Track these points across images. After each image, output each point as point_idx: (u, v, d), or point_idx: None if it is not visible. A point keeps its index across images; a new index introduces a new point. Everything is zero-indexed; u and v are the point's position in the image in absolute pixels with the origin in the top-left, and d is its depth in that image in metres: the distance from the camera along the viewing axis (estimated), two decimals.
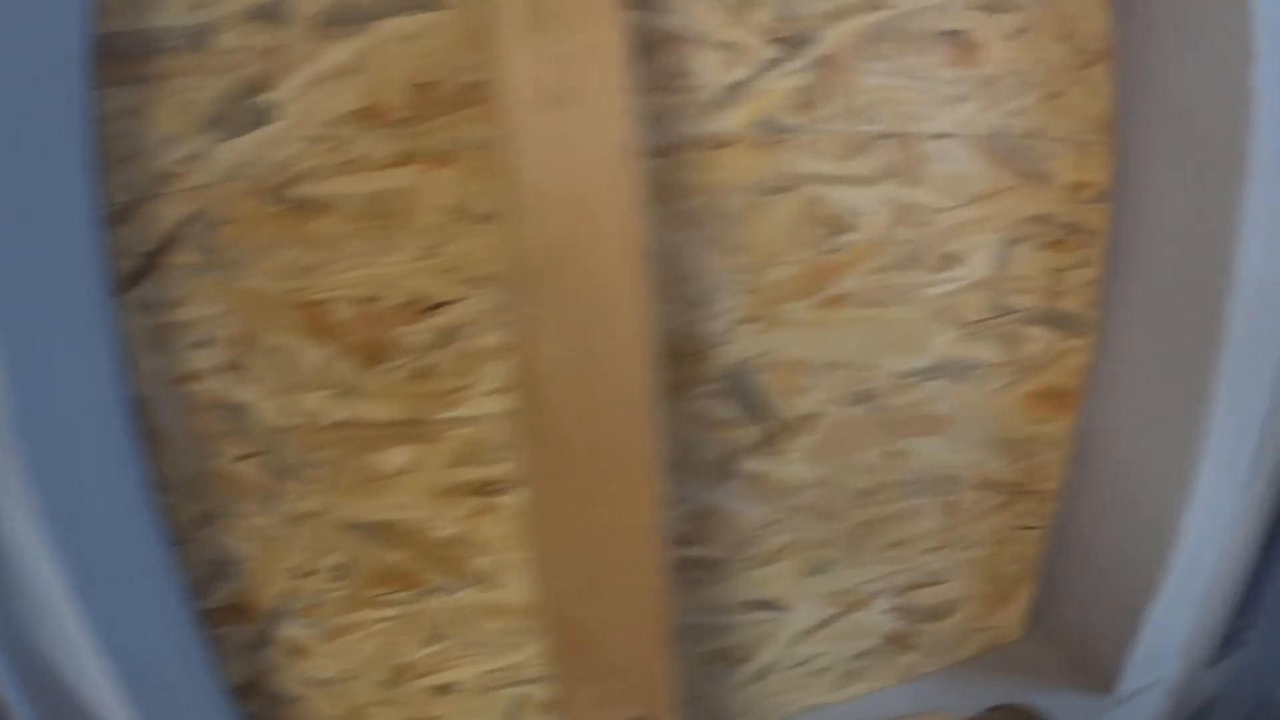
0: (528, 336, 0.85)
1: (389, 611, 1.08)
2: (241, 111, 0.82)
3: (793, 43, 1.00)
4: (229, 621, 1.01)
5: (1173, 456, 1.23)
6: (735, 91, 0.99)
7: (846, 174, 1.07)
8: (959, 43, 1.08)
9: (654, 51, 0.93)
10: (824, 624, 1.34)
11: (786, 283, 1.08)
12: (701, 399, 1.10)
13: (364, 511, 1.02)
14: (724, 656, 1.28)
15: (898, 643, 1.40)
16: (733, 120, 1.00)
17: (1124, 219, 1.25)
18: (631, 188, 0.82)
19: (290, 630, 1.03)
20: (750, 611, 1.26)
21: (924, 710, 1.43)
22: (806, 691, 1.38)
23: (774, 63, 1.00)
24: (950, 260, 1.14)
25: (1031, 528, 1.41)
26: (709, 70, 0.97)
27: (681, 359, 1.06)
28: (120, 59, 0.80)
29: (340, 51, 0.84)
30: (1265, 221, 1.07)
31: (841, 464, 1.20)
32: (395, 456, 0.98)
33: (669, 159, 0.98)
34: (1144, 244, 1.24)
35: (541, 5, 0.80)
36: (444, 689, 1.13)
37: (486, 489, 1.01)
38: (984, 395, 1.24)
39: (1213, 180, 1.10)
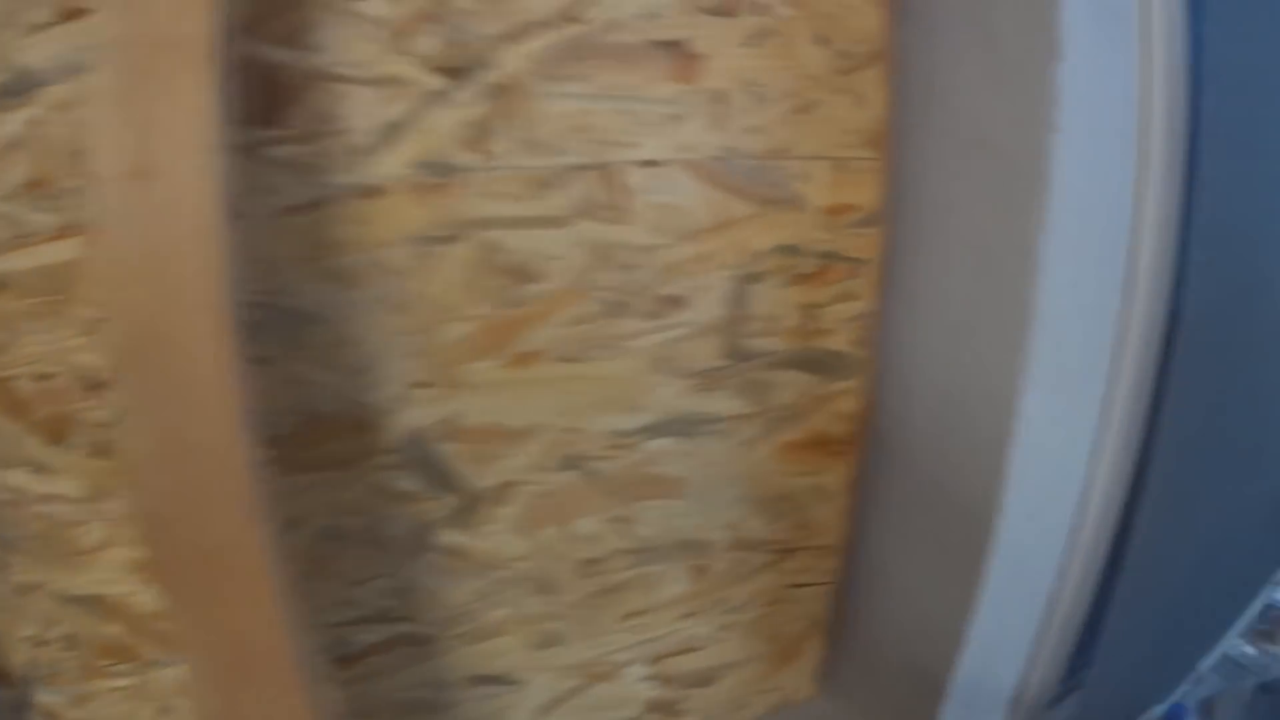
0: (123, 426, 0.75)
1: (120, 681, 0.98)
2: None
3: (462, 71, 0.83)
4: None
5: (973, 509, 1.11)
6: (393, 132, 0.83)
7: (530, 215, 0.90)
8: (676, 55, 0.91)
9: (300, 94, 0.78)
10: (566, 697, 1.20)
11: (465, 341, 0.92)
12: (381, 471, 0.95)
13: (76, 585, 0.92)
14: None
15: (662, 711, 1.25)
16: (391, 164, 0.84)
17: (902, 245, 1.08)
18: (216, 263, 0.70)
19: (43, 696, 0.97)
20: (477, 686, 1.13)
21: None
22: None
23: (439, 95, 0.83)
24: (670, 304, 0.98)
25: (810, 585, 1.25)
26: (362, 110, 0.81)
27: (351, 430, 0.92)
28: None
29: (9, 123, 0.74)
30: (1071, 243, 0.93)
31: (556, 534, 1.06)
32: (91, 532, 0.89)
33: (319, 213, 0.83)
34: (926, 272, 1.07)
35: (128, 73, 0.67)
36: None
37: None
38: (727, 451, 1.09)
39: (1009, 196, 0.95)
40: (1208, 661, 2.13)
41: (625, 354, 0.97)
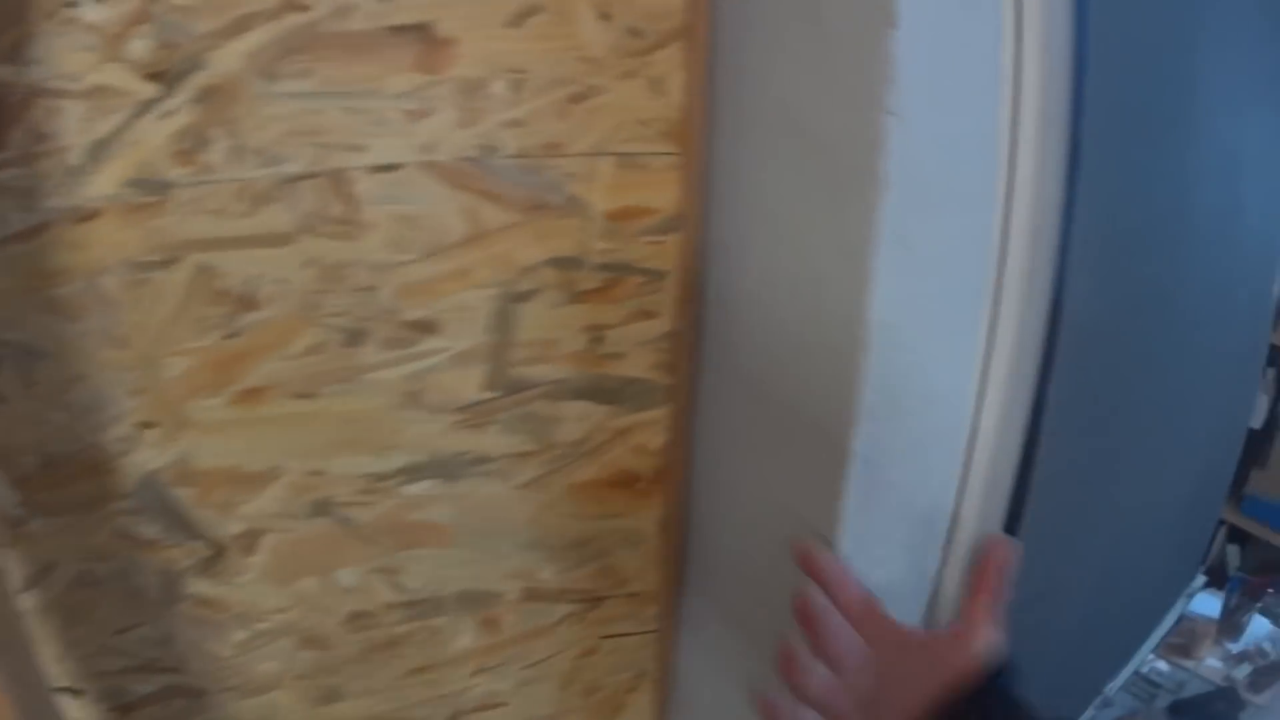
0: None
1: None
2: None
3: (173, 75, 0.73)
4: None
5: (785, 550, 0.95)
6: (103, 148, 0.73)
7: (247, 234, 0.80)
8: (420, 40, 0.79)
9: (19, 113, 0.71)
10: None
11: (186, 377, 0.82)
12: (122, 516, 0.87)
13: None
14: None
15: None
16: (103, 183, 0.74)
17: (716, 255, 0.99)
18: None
19: None
20: None
21: None
22: None
23: (149, 104, 0.73)
24: (419, 330, 0.87)
25: (629, 634, 1.16)
26: (76, 126, 0.72)
27: (89, 472, 0.85)
28: None
29: None
30: (916, 251, 0.81)
31: (316, 585, 0.97)
32: None
33: (40, 240, 0.75)
34: (743, 288, 0.97)
35: None
36: None
37: None
38: (505, 495, 0.99)
39: (833, 195, 0.83)
40: (1115, 683, 2.04)
41: (368, 388, 0.87)
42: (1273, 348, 2.33)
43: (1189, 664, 2.18)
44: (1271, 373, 2.44)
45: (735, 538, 1.10)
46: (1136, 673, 2.10)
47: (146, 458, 0.85)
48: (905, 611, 1.00)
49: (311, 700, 1.03)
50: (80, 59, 0.69)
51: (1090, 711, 1.98)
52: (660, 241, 0.92)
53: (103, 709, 0.95)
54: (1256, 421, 2.43)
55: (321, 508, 0.92)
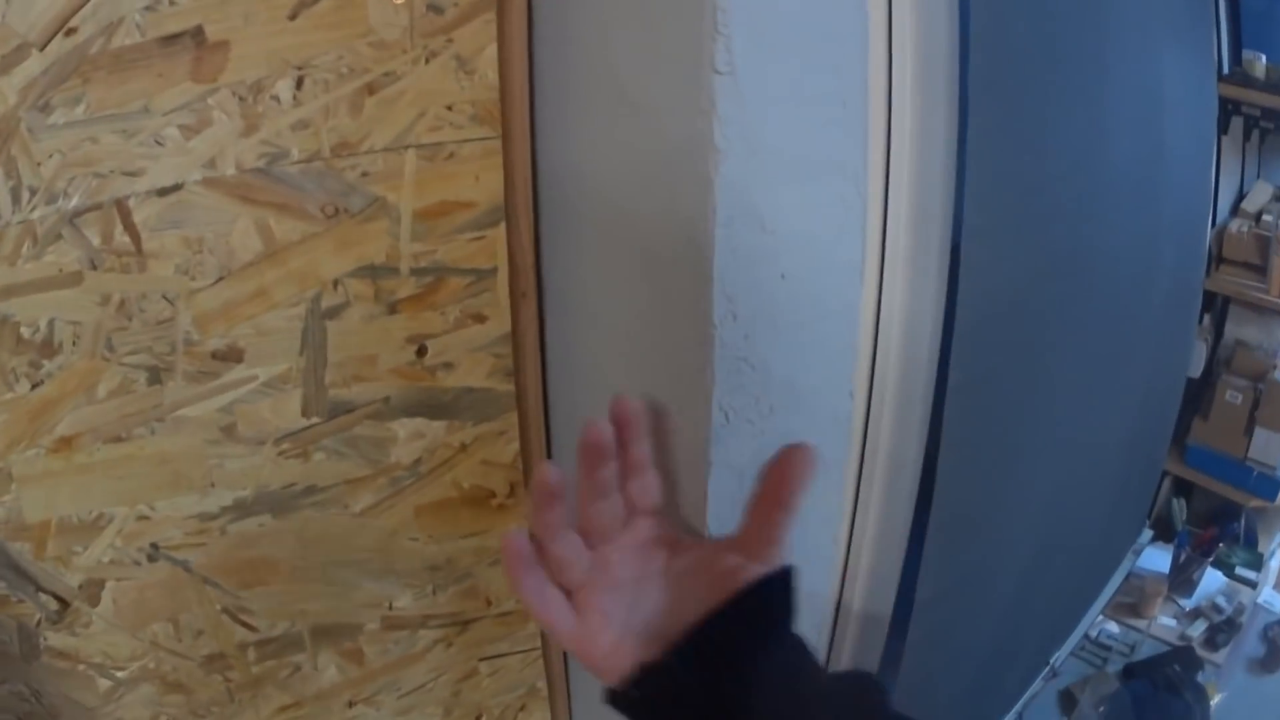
0: None
1: None
2: None
3: None
4: None
5: None
6: None
7: (37, 278, 0.80)
8: (192, 47, 0.79)
9: None
10: None
11: (3, 430, 0.83)
12: None
13: None
14: None
15: None
16: None
17: (543, 243, 0.97)
18: None
19: None
20: None
21: None
22: None
23: None
24: (223, 359, 0.88)
25: (509, 654, 1.17)
26: None
27: None
28: None
29: None
30: (753, 227, 0.78)
31: (163, 631, 0.97)
32: None
33: None
34: (574, 274, 0.96)
35: None
36: None
37: None
38: (344, 523, 0.99)
39: (666, 170, 0.78)
40: (1062, 652, 2.05)
41: (179, 427, 0.88)
42: (1207, 294, 2.33)
43: (1141, 624, 2.17)
44: (1208, 320, 2.42)
45: None
46: (1086, 636, 2.09)
47: None
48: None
49: None
50: None
51: (1038, 684, 1.96)
52: (481, 237, 0.92)
53: None
54: (1195, 370, 2.41)
55: (156, 553, 0.92)
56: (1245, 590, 2.34)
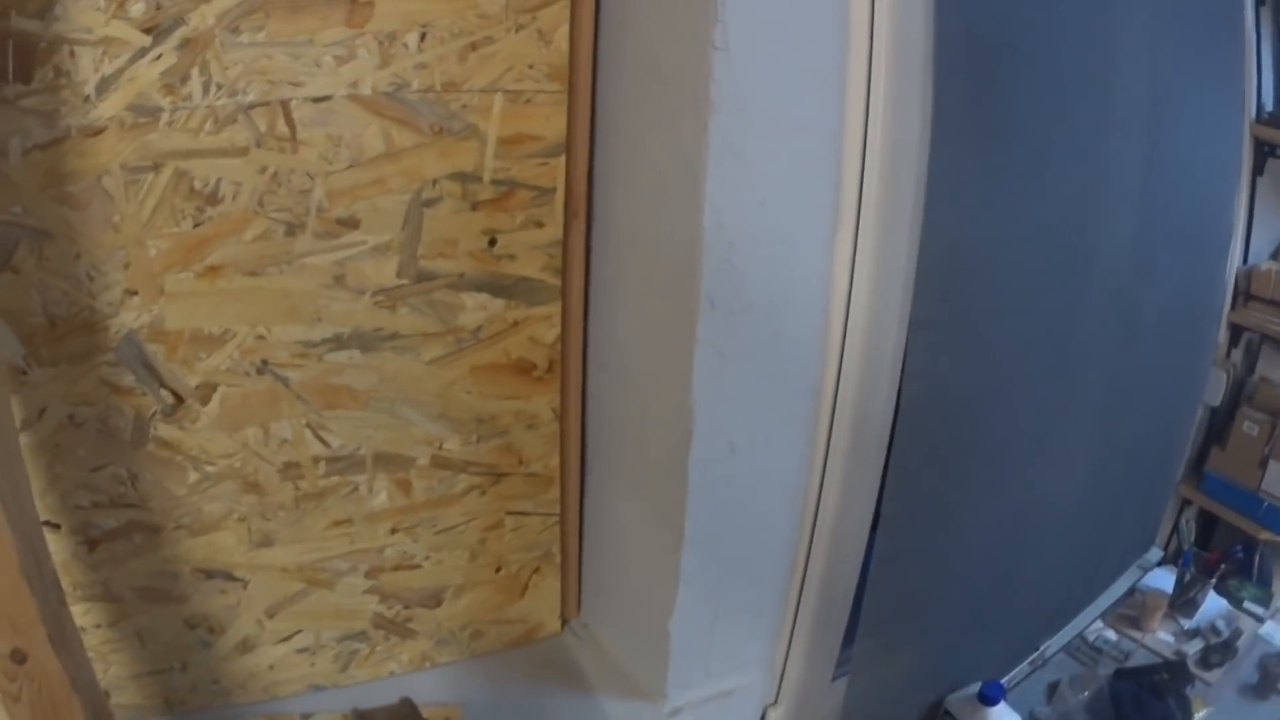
0: None
1: None
2: None
3: (161, 29, 1.15)
4: None
5: (672, 439, 1.37)
6: (108, 82, 1.16)
7: (213, 147, 1.22)
8: (347, 3, 1.21)
9: (45, 56, 1.13)
10: (291, 599, 1.53)
11: (163, 256, 1.25)
12: (106, 367, 1.29)
13: None
14: (199, 624, 1.50)
15: (392, 628, 1.60)
16: (108, 108, 1.17)
17: (598, 175, 1.40)
18: None
19: None
20: (206, 580, 1.47)
21: (436, 702, 1.61)
22: (305, 670, 1.60)
23: (144, 50, 1.16)
24: (344, 225, 1.29)
25: (531, 514, 1.57)
26: (89, 65, 1.15)
27: (82, 330, 1.27)
28: None
29: None
30: (736, 161, 1.21)
31: (254, 436, 1.38)
32: None
33: (56, 149, 1.17)
34: (616, 202, 1.38)
35: None
36: None
37: None
38: (413, 368, 1.40)
39: (675, 121, 1.23)
40: (1053, 643, 2.38)
41: (302, 270, 1.29)
42: (1234, 327, 2.67)
43: (1137, 635, 2.46)
44: (1236, 353, 2.75)
45: (631, 426, 1.51)
46: (1081, 638, 2.38)
47: (129, 319, 1.27)
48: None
49: (249, 543, 1.47)
50: (93, 17, 1.12)
51: (1026, 668, 2.29)
52: (546, 164, 1.34)
53: (74, 542, 1.38)
54: (1215, 399, 2.74)
55: (264, 368, 1.34)
56: (1248, 620, 2.64)
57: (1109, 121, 1.68)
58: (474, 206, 1.34)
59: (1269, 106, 2.54)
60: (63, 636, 1.12)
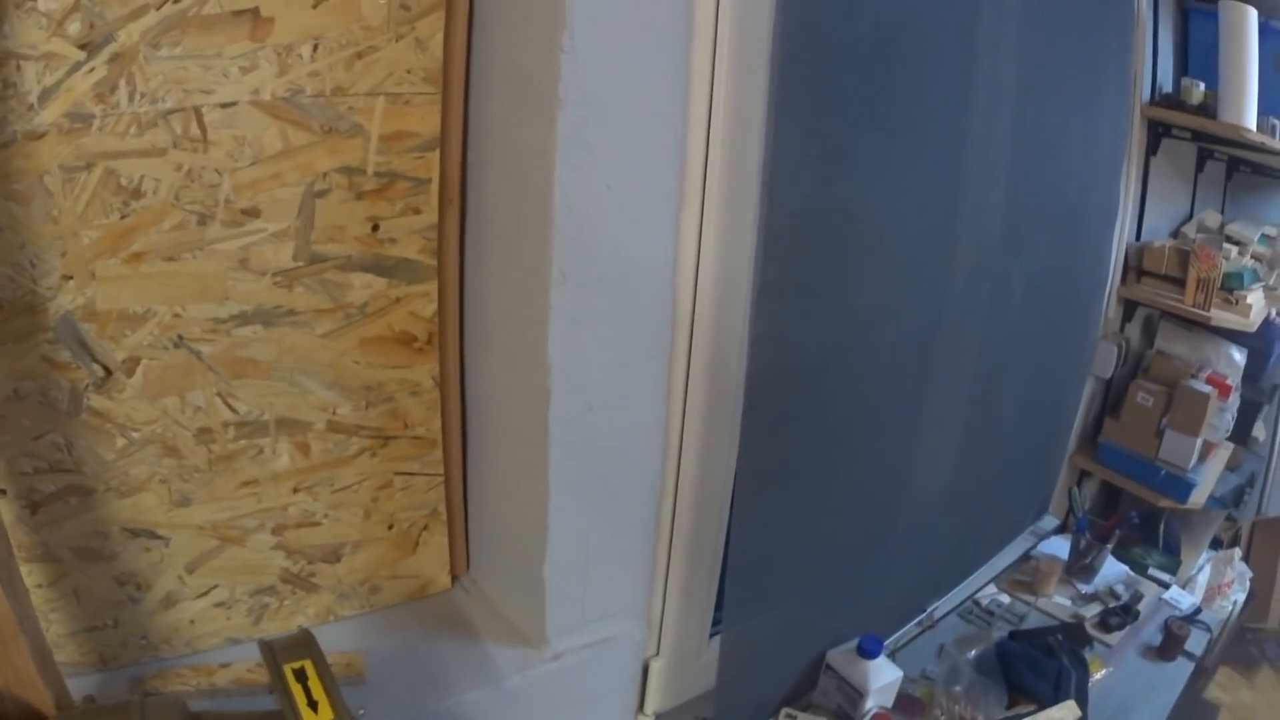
0: None
1: None
2: None
3: (94, 45, 1.52)
4: None
5: (534, 399, 1.78)
6: (49, 92, 1.53)
7: (138, 148, 1.61)
8: (251, 19, 1.62)
9: None
10: (207, 557, 1.90)
11: (94, 245, 1.63)
12: (46, 345, 1.66)
13: None
14: (127, 581, 1.87)
15: (297, 583, 1.98)
16: (48, 115, 1.54)
17: (470, 166, 1.81)
18: None
19: None
20: (133, 539, 1.83)
21: (340, 650, 1.98)
22: (222, 624, 1.98)
23: (79, 64, 1.53)
24: (248, 215, 1.69)
25: (418, 474, 1.98)
26: (31, 78, 1.52)
27: (25, 312, 1.63)
28: None
29: None
30: (582, 149, 1.62)
31: (172, 404, 1.77)
32: None
33: (4, 152, 1.53)
34: (483, 187, 1.80)
35: None
36: None
37: None
38: (309, 340, 1.80)
39: (532, 118, 1.62)
40: (941, 604, 2.86)
41: (213, 255, 1.68)
42: (1127, 302, 3.22)
43: (1032, 599, 2.87)
44: (1131, 327, 3.28)
45: (502, 391, 1.90)
46: (974, 601, 2.76)
47: (66, 301, 1.64)
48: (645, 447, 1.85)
49: (169, 503, 1.83)
50: (36, 35, 1.49)
51: (913, 628, 2.68)
52: (423, 157, 1.75)
53: (19, 506, 1.72)
54: (1105, 371, 3.29)
55: (181, 343, 1.72)
56: (1149, 584, 3.12)
57: (971, 98, 2.02)
58: (359, 196, 1.74)
59: (1166, 88, 3.08)
60: (10, 580, 1.36)
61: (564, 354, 1.73)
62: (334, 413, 1.89)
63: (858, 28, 1.86)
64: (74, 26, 1.50)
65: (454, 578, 2.17)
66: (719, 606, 2.24)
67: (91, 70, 1.53)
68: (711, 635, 2.32)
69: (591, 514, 1.89)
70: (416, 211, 1.82)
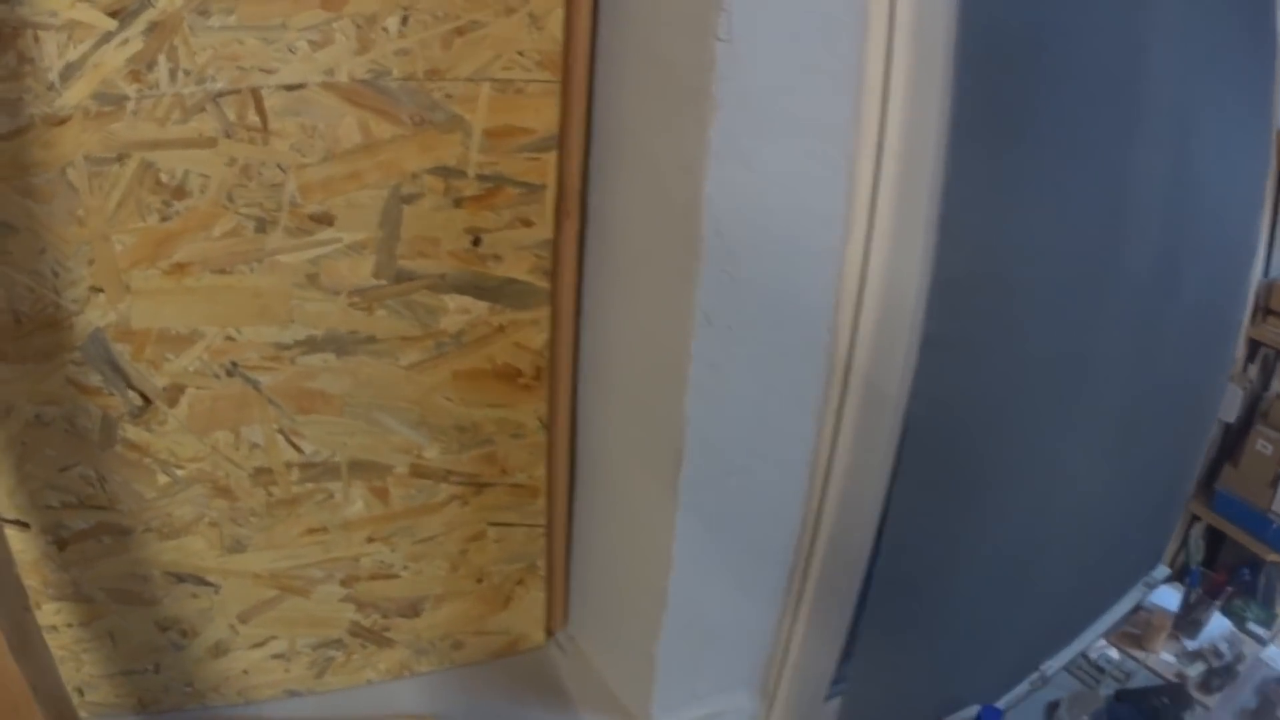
0: None
1: None
2: None
3: (128, 12, 1.10)
4: None
5: (663, 457, 1.30)
6: (73, 69, 1.11)
7: (181, 138, 1.18)
8: None
9: (4, 40, 1.06)
10: (264, 606, 1.49)
11: (129, 251, 1.21)
12: (72, 366, 1.25)
13: None
14: (170, 627, 1.47)
15: (368, 636, 1.58)
16: (72, 96, 1.12)
17: (593, 170, 1.32)
18: None
19: None
20: (177, 584, 1.43)
21: (411, 711, 1.58)
22: (280, 675, 1.56)
23: (110, 35, 1.10)
24: (318, 221, 1.26)
25: (516, 525, 1.54)
26: (51, 51, 1.09)
27: (47, 328, 1.22)
28: None
29: None
30: (738, 165, 1.10)
31: (224, 439, 1.34)
32: None
33: (19, 140, 1.12)
34: (611, 198, 1.31)
35: None
36: None
37: None
38: (390, 373, 1.37)
39: (676, 114, 1.14)
40: (1054, 662, 2.26)
41: (274, 269, 1.26)
42: (1252, 342, 2.53)
43: (1141, 655, 2.35)
44: (1253, 368, 2.62)
45: (621, 439, 1.45)
46: (1084, 656, 2.30)
47: (94, 316, 1.24)
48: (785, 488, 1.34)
49: (221, 548, 1.44)
50: (58, 0, 1.07)
51: (1025, 687, 2.18)
52: (537, 159, 1.29)
53: (44, 541, 1.36)
54: (1230, 415, 2.61)
55: (234, 370, 1.30)
56: (1251, 643, 2.52)
57: (1136, 127, 1.57)
58: (457, 203, 1.30)
59: None
60: (25, 644, 1.10)
61: (703, 409, 1.24)
62: (419, 455, 1.44)
63: (1039, 38, 1.33)
64: None
65: (549, 632, 1.72)
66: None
67: (125, 42, 1.10)
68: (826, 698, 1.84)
69: (717, 587, 1.44)
70: (527, 224, 1.34)
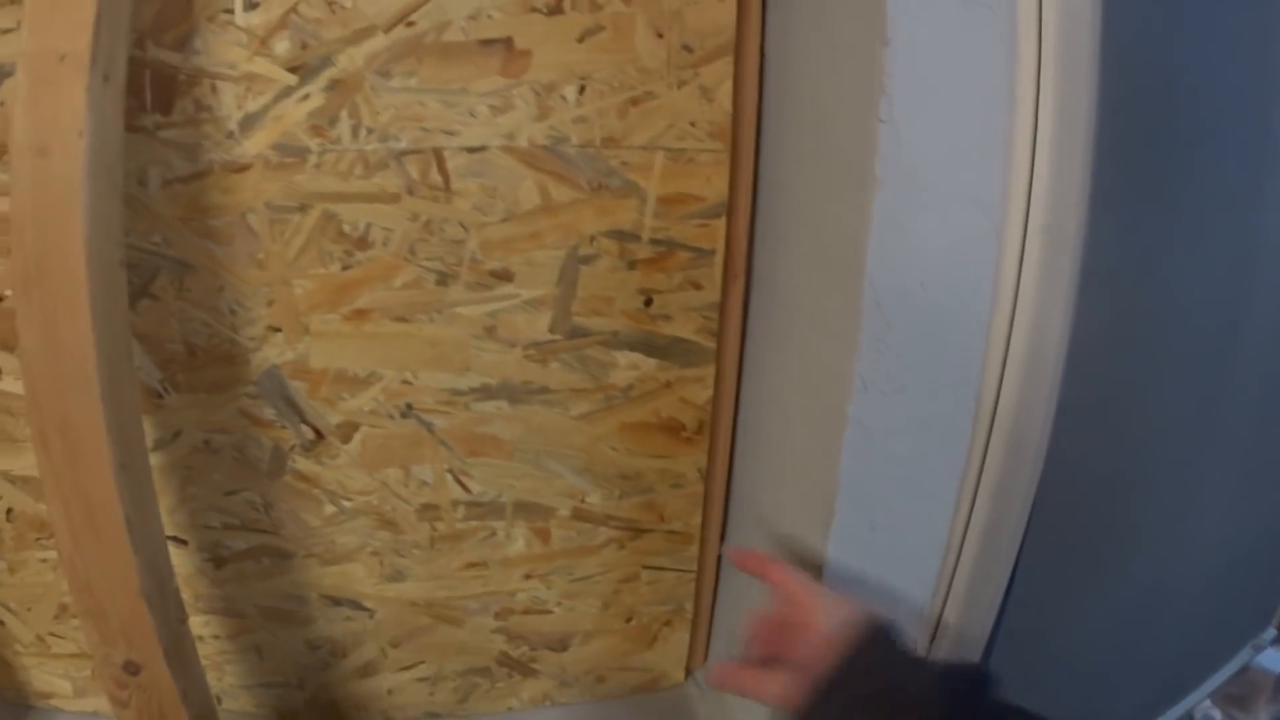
0: (21, 333, 0.96)
1: (47, 554, 1.26)
2: None
3: (308, 69, 1.06)
4: None
5: (813, 515, 1.18)
6: (252, 119, 1.07)
7: (363, 192, 1.12)
8: (503, 51, 1.08)
9: (185, 89, 1.03)
10: (417, 633, 1.40)
11: (309, 295, 1.16)
12: (245, 398, 1.21)
13: (17, 467, 1.19)
14: (321, 646, 1.41)
15: (515, 667, 1.51)
16: (252, 145, 1.08)
17: (758, 236, 1.22)
18: (82, 218, 0.91)
19: None
20: (333, 606, 1.38)
21: None
22: (423, 699, 1.48)
23: (290, 90, 1.06)
24: (497, 277, 1.20)
25: (669, 569, 1.45)
26: (232, 101, 1.05)
27: (222, 361, 1.16)
28: None
29: None
30: (897, 235, 0.99)
31: (394, 476, 1.28)
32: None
33: (198, 183, 1.07)
34: (775, 263, 1.22)
35: (32, 76, 0.86)
36: None
37: None
38: (561, 422, 1.30)
39: (840, 187, 1.04)
40: None
41: (453, 320, 1.21)
42: None
43: (1242, 716, 2.10)
44: None
45: (774, 494, 1.35)
46: (1189, 715, 2.03)
47: (271, 354, 1.20)
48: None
49: (380, 576, 1.39)
50: (236, 52, 1.04)
51: None
52: (707, 225, 1.20)
53: (201, 558, 1.32)
54: None
55: (409, 412, 1.25)
56: None
57: (1268, 185, 1.41)
58: (631, 265, 1.23)
59: None
60: (179, 653, 1.07)
61: (854, 470, 1.12)
62: (582, 500, 1.35)
63: (1173, 104, 1.19)
64: (282, 46, 1.01)
65: (688, 671, 1.59)
66: None
67: (306, 98, 1.04)
68: None
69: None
70: (697, 286, 1.24)
